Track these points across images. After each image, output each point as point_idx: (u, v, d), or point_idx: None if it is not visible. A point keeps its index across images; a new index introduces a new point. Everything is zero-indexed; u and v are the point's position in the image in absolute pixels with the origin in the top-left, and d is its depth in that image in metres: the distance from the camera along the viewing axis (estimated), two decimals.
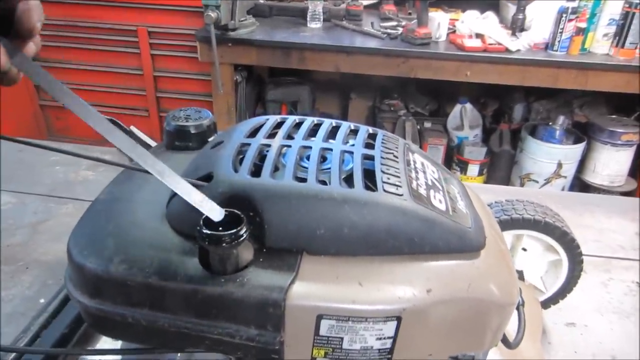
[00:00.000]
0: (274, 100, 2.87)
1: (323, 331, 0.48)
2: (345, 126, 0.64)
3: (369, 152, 0.58)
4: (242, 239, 0.46)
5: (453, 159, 2.83)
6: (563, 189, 2.59)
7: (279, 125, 0.65)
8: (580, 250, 1.01)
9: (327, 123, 0.65)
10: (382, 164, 0.56)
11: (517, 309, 0.65)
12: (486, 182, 2.79)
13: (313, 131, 0.63)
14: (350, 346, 0.50)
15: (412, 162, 0.60)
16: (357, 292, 0.48)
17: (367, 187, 0.52)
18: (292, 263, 0.50)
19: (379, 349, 0.50)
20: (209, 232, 0.45)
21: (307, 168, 0.55)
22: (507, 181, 2.77)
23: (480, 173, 2.74)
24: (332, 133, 0.63)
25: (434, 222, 0.51)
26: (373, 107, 3.05)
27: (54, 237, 1.37)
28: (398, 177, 0.54)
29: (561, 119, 2.49)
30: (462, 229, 0.53)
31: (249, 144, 0.59)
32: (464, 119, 2.75)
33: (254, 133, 0.62)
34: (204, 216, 0.47)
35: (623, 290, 1.22)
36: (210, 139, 0.72)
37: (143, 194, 0.59)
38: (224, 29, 2.35)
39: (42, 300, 1.17)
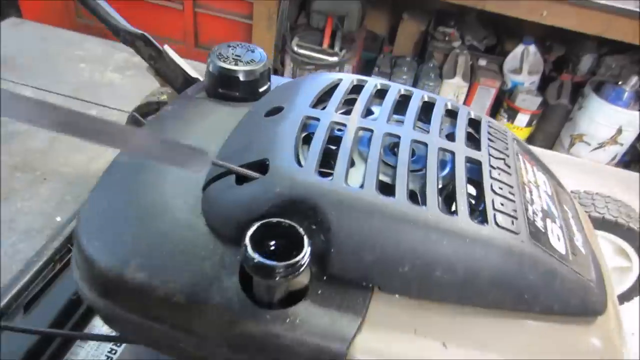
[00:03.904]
0: (319, 11, 2.60)
1: None
2: (441, 105, 0.49)
3: (474, 154, 0.43)
4: (300, 270, 0.34)
5: (502, 105, 2.60)
6: (615, 157, 2.39)
7: (355, 90, 0.50)
8: None
9: (418, 97, 0.50)
10: (492, 177, 0.42)
11: None
12: (533, 134, 2.59)
13: (400, 105, 0.48)
14: None
15: (524, 173, 0.46)
16: (439, 355, 0.37)
17: (473, 213, 0.39)
18: (360, 302, 0.38)
19: None
20: (258, 259, 0.33)
21: (393, 168, 0.41)
22: (554, 138, 2.57)
23: (529, 124, 2.53)
24: (424, 112, 0.48)
25: (554, 275, 0.38)
26: (425, 32, 2.77)
27: (74, 147, 1.27)
28: (513, 201, 0.40)
29: (634, 79, 2.22)
30: (584, 285, 0.40)
31: (317, 119, 0.44)
32: (524, 62, 2.49)
33: (322, 100, 0.48)
34: (252, 228, 0.35)
35: None
36: (262, 89, 0.57)
37: (172, 167, 0.46)
38: None
39: (58, 219, 1.10)
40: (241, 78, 0.55)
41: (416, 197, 0.40)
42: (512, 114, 2.58)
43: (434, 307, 0.38)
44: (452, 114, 0.49)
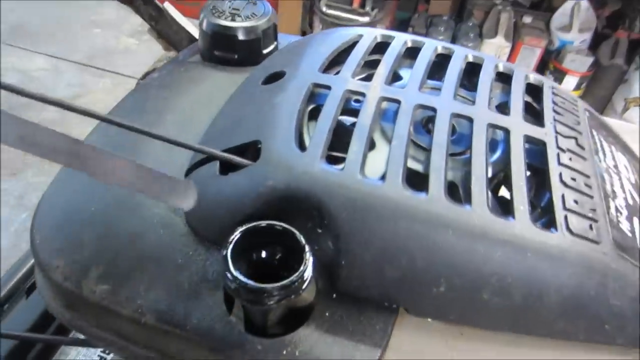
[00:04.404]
0: None
1: None
2: (490, 66, 0.38)
3: (536, 131, 0.33)
4: (300, 292, 0.25)
5: (548, 66, 2.41)
6: None
7: (378, 49, 0.40)
8: None
9: (459, 57, 0.39)
10: (561, 164, 0.31)
11: None
12: (582, 99, 2.39)
13: (437, 69, 0.38)
14: None
15: (601, 154, 0.35)
16: None
17: (536, 215, 0.29)
18: (381, 328, 0.29)
19: None
20: (241, 280, 0.24)
21: (427, 151, 0.31)
22: (606, 102, 2.36)
23: (577, 87, 2.33)
24: (469, 75, 0.38)
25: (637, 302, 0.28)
26: None
27: (85, 120, 1.21)
28: (591, 196, 0.30)
29: None
30: None
31: (327, 87, 0.35)
32: (575, 18, 2.27)
33: (335, 62, 0.38)
34: (233, 236, 0.26)
35: None
36: (266, 50, 0.47)
37: (154, 146, 0.38)
38: None
39: None
40: (240, 37, 0.45)
41: (457, 191, 0.30)
42: (559, 77, 2.38)
43: (479, 336, 0.29)
44: (505, 78, 0.39)
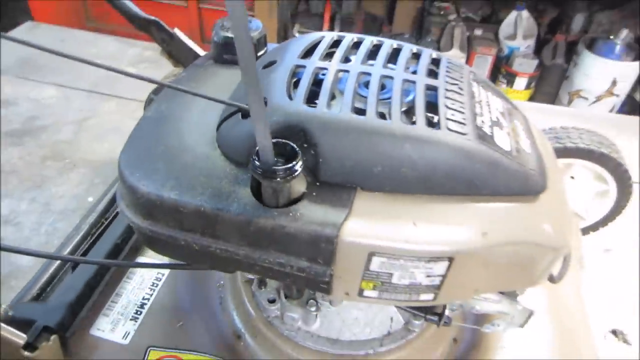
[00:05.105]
0: None
1: (374, 267, 0.48)
2: (407, 49, 0.59)
3: (432, 81, 0.54)
4: (296, 174, 0.45)
5: (501, 71, 2.68)
6: (613, 109, 2.45)
7: (335, 44, 0.60)
8: (631, 182, 0.98)
9: (388, 44, 0.60)
10: (446, 97, 0.52)
11: None
12: (533, 96, 2.65)
13: (372, 53, 0.58)
14: (399, 281, 0.50)
15: (477, 95, 0.56)
16: (411, 232, 0.47)
17: (429, 123, 0.49)
18: (346, 199, 0.48)
19: (427, 285, 0.50)
20: (262, 165, 0.44)
21: (365, 97, 0.51)
22: (554, 97, 2.63)
23: (527, 87, 2.60)
24: (393, 56, 0.59)
25: (497, 164, 0.49)
26: (422, 9, 2.85)
27: (99, 136, 1.40)
28: (463, 112, 0.51)
29: (624, 32, 2.28)
30: (524, 172, 0.50)
31: (303, 66, 0.55)
32: (518, 27, 2.55)
33: (308, 53, 0.58)
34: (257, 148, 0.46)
35: None
36: (260, 53, 0.68)
37: (192, 114, 0.58)
38: None
39: (90, 199, 1.22)
40: None
41: (384, 116, 0.50)
42: (511, 79, 2.65)
43: (405, 198, 0.49)
44: (417, 55, 0.59)
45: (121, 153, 0.55)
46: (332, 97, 0.52)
